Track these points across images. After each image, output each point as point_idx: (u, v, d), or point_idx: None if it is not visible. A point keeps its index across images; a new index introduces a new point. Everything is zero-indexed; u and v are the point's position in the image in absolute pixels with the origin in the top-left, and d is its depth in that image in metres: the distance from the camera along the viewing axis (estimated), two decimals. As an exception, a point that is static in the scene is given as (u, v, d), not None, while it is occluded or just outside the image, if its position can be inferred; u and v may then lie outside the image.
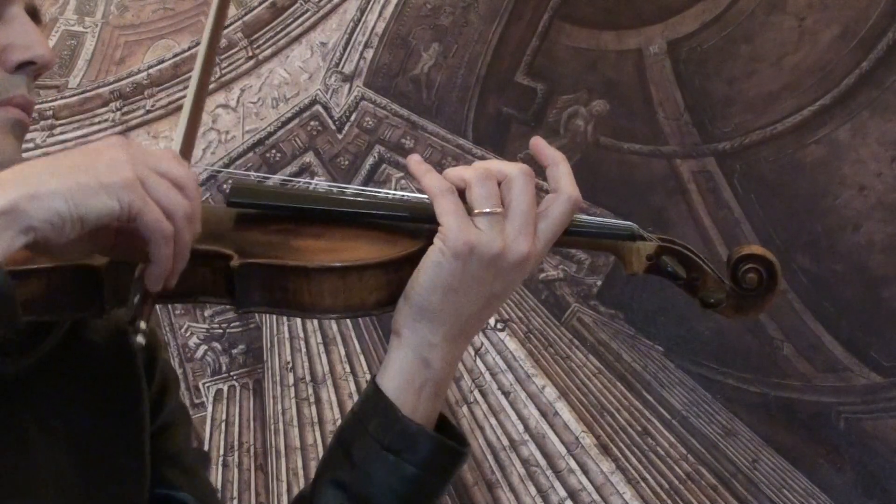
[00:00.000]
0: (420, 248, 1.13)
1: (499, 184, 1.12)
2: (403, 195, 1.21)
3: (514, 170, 1.12)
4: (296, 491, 2.90)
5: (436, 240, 1.10)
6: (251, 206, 1.19)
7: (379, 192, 1.21)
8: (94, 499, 1.14)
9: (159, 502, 1.24)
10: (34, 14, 1.17)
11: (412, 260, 1.12)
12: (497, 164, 1.13)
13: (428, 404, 1.14)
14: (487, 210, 1.10)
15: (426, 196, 1.13)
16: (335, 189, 1.25)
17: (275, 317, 2.96)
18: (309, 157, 3.09)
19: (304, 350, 2.99)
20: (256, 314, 2.92)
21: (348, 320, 2.93)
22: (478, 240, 1.09)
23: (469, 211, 1.11)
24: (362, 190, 1.22)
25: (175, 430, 1.29)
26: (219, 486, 2.93)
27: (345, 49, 3.09)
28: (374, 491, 1.13)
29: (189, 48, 3.19)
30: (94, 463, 1.15)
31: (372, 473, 1.13)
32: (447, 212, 1.10)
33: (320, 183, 1.27)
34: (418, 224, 1.16)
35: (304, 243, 1.14)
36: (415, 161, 1.15)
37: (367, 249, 1.12)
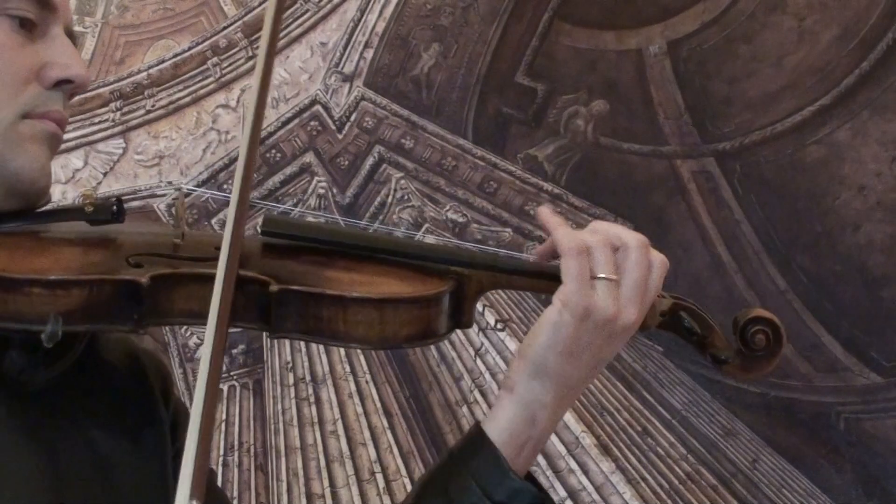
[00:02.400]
0: (450, 287, 1.17)
1: (616, 249, 1.16)
2: (427, 238, 1.24)
3: (632, 239, 1.16)
4: (296, 491, 2.90)
5: (555, 299, 1.15)
6: (285, 237, 1.20)
7: (405, 234, 1.25)
8: None
9: None
10: (71, 36, 1.20)
11: (442, 299, 1.16)
12: (616, 230, 1.18)
13: (526, 461, 1.18)
14: (604, 276, 1.14)
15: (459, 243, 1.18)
16: (357, 227, 1.27)
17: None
18: (309, 157, 3.09)
19: (304, 350, 2.99)
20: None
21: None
22: (595, 305, 1.14)
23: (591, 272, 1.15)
24: (389, 230, 1.25)
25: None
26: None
27: (345, 49, 3.09)
28: None
29: (189, 48, 3.19)
30: (116, 475, 1.17)
31: None
32: (572, 275, 1.14)
33: (356, 222, 1.29)
34: (446, 266, 1.19)
35: (337, 275, 1.16)
36: (546, 213, 1.20)
37: (400, 285, 1.15)
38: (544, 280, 1.20)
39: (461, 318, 1.20)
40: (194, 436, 0.93)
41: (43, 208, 1.18)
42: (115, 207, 1.16)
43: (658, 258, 1.18)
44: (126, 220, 1.19)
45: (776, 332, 1.23)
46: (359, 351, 2.95)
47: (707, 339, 1.23)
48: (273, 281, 1.11)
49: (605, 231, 1.17)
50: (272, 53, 1.11)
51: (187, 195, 2.95)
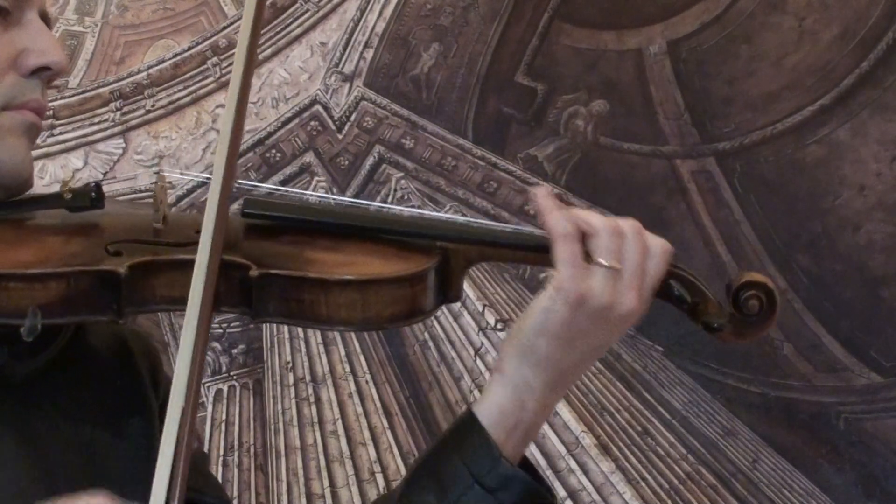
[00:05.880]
0: (435, 263, 1.15)
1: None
2: (412, 211, 1.22)
3: (626, 226, 1.14)
4: (296, 491, 2.90)
5: (549, 286, 1.12)
6: (266, 218, 1.19)
7: (390, 208, 1.23)
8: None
9: None
10: (46, 20, 1.18)
11: (427, 276, 1.14)
12: (612, 219, 1.14)
13: (516, 445, 1.16)
14: (607, 264, 1.11)
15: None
16: (342, 203, 1.26)
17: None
18: (309, 157, 3.09)
19: (304, 350, 2.99)
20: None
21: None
22: (590, 292, 1.10)
23: (588, 257, 1.12)
24: (372, 205, 1.24)
25: None
26: (219, 486, 2.93)
27: (345, 49, 3.09)
28: None
29: (189, 48, 3.19)
30: (102, 463, 1.16)
31: None
32: (565, 260, 1.11)
33: (337, 198, 1.28)
34: (431, 240, 1.18)
35: (319, 255, 1.14)
36: (542, 195, 1.15)
37: (382, 264, 1.13)
38: (533, 252, 1.18)
39: (448, 292, 1.18)
40: (171, 441, 0.90)
41: (23, 196, 1.17)
42: (93, 193, 1.15)
43: (657, 244, 1.15)
44: (108, 203, 1.18)
45: (770, 296, 1.20)
46: (359, 350, 2.95)
47: (699, 307, 1.20)
48: (254, 265, 1.10)
49: (610, 219, 1.14)
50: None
51: (190, 193, 2.95)
